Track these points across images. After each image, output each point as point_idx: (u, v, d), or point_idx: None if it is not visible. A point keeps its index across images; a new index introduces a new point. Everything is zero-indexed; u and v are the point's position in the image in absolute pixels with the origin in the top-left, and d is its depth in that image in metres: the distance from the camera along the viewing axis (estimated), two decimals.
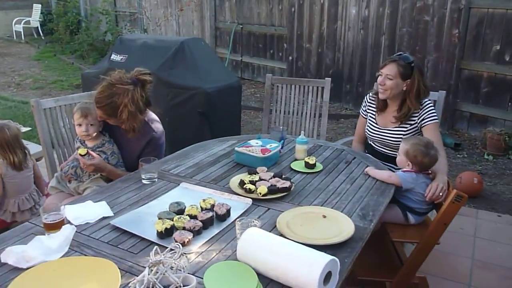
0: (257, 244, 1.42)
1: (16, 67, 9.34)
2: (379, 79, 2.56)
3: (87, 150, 2.29)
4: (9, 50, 11.25)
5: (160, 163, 2.38)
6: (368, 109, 2.80)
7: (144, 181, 2.16)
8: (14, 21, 12.76)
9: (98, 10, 10.40)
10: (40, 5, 12.94)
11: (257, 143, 2.49)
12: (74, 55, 10.36)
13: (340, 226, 1.70)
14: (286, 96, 3.52)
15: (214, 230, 1.70)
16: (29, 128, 5.50)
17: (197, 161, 2.45)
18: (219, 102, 3.89)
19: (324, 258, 1.31)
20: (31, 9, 13.00)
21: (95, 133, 2.43)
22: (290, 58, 7.45)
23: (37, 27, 13.00)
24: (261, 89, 7.71)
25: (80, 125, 2.38)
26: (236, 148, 2.42)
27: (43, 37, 12.84)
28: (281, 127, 2.81)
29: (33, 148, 3.46)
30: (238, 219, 1.62)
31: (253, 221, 1.59)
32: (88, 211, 1.84)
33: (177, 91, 3.81)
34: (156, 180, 2.17)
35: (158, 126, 2.49)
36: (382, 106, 2.67)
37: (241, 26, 8.39)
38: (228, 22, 8.68)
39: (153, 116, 2.52)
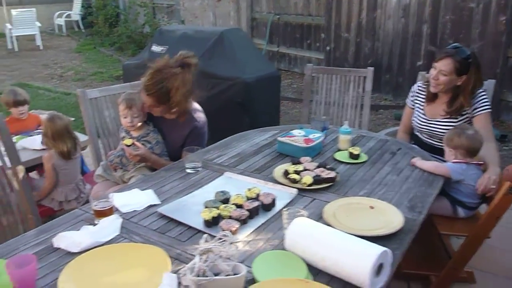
0: (306, 234, 1.40)
1: (58, 60, 9.61)
2: (432, 72, 2.46)
3: (133, 141, 2.33)
4: (51, 43, 11.58)
5: (203, 152, 2.39)
6: (416, 99, 2.71)
7: (188, 170, 2.17)
8: (56, 14, 13.10)
9: (136, 3, 10.56)
10: None
11: (299, 133, 2.46)
12: (113, 47, 10.57)
13: (389, 218, 1.66)
14: (326, 86, 3.47)
15: (260, 220, 1.69)
16: (72, 119, 5.65)
17: (239, 151, 2.45)
18: (257, 92, 3.88)
19: (377, 249, 1.28)
20: (72, 2, 13.30)
21: (140, 123, 2.46)
22: (328, 48, 7.34)
23: (78, 20, 13.31)
24: (298, 80, 7.65)
25: (125, 116, 2.42)
26: (279, 138, 2.41)
27: (83, 30, 13.14)
28: (323, 117, 2.77)
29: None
30: (284, 209, 1.61)
31: (300, 211, 1.57)
32: (135, 199, 1.87)
33: (216, 81, 3.83)
34: (200, 169, 2.18)
35: (200, 116, 2.50)
36: (431, 97, 2.58)
37: (277, 16, 8.32)
38: (265, 12, 8.63)
39: (196, 105, 2.53)
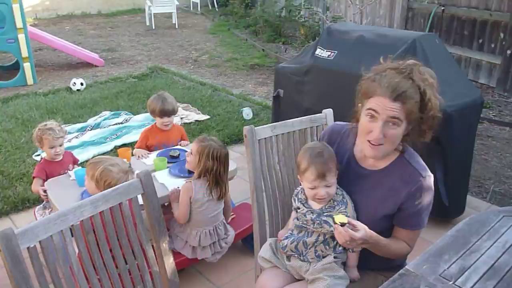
0: None
1: (193, 41, 9.30)
2: None
3: (348, 219, 1.51)
4: (186, 21, 11.39)
5: (430, 255, 1.51)
6: None
7: None
8: None
9: None
10: None
11: None
12: (247, 30, 10.01)
13: None
14: None
15: None
16: (207, 117, 5.12)
17: (490, 260, 1.53)
18: (459, 126, 2.88)
19: None
20: None
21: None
22: (509, 51, 5.94)
23: None
24: None
25: (313, 187, 1.63)
26: None
27: (217, 9, 12.84)
28: None
29: None
30: None
31: None
32: None
33: None
34: None
35: (421, 166, 1.64)
36: None
37: (442, 7, 7.00)
38: (426, 1, 7.34)
39: (412, 151, 1.68)
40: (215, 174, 2.39)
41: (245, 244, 2.85)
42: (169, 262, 1.55)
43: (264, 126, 1.99)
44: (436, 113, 1.57)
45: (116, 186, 1.43)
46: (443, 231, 1.75)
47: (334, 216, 1.51)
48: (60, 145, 2.66)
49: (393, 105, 1.49)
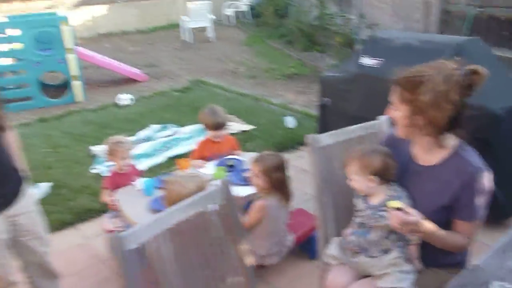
0: None
1: (229, 53, 9.52)
2: None
3: (402, 204, 1.59)
4: (221, 34, 11.62)
5: (496, 253, 1.58)
6: None
7: None
8: (225, 5, 13.21)
9: None
10: None
11: None
12: (281, 40, 10.15)
13: None
14: None
15: None
16: (252, 127, 5.25)
17: None
18: (509, 127, 2.91)
19: None
20: None
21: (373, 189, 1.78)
22: None
23: (246, 11, 13.27)
24: None
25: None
26: None
27: (250, 21, 13.05)
28: None
29: None
30: None
31: None
32: None
33: None
34: None
35: (476, 159, 1.69)
36: None
37: (480, 9, 6.95)
38: (463, 3, 7.31)
39: (468, 148, 1.74)
40: (286, 182, 2.51)
41: (301, 248, 2.95)
42: (249, 262, 1.67)
43: (325, 134, 2.10)
44: (433, 102, 1.59)
45: (202, 193, 1.57)
46: (497, 233, 1.84)
47: (388, 202, 1.60)
48: (130, 156, 2.86)
49: (393, 87, 1.65)
